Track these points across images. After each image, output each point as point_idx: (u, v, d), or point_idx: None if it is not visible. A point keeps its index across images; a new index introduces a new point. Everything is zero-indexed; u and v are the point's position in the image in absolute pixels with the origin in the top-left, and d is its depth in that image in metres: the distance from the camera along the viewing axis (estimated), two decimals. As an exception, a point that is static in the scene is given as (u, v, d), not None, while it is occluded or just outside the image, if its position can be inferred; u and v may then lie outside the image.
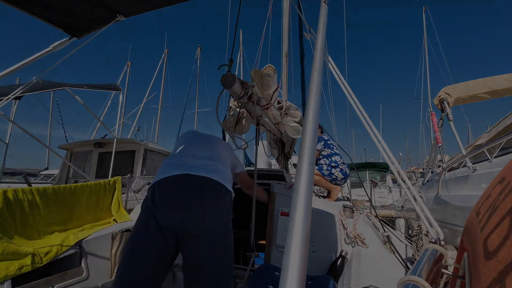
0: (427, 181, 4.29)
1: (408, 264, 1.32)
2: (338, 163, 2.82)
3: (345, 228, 1.72)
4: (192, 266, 1.26)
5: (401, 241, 1.81)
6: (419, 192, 1.60)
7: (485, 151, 2.19)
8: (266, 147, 3.57)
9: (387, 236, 1.65)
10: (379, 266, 1.40)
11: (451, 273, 0.67)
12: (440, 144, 3.38)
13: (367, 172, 12.47)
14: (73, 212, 1.85)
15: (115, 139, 5.38)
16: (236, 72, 15.33)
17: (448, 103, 3.37)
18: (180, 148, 1.57)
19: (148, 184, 6.47)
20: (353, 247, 1.66)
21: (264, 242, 1.98)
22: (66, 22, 1.60)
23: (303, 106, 3.50)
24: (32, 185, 5.57)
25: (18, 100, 4.60)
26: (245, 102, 1.65)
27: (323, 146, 2.89)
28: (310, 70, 0.71)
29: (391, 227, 3.95)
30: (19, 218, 1.51)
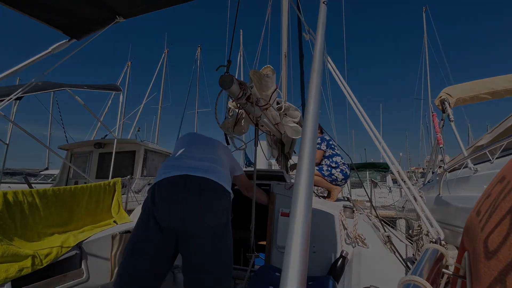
0: (428, 181, 4.29)
1: (408, 264, 1.32)
2: (339, 163, 2.82)
3: (346, 228, 1.72)
4: (192, 266, 1.27)
5: (402, 241, 1.81)
6: (419, 192, 1.60)
7: (487, 152, 2.19)
8: (265, 150, 3.56)
9: (388, 236, 1.65)
10: (380, 266, 1.40)
11: (451, 273, 0.67)
12: (441, 145, 3.38)
13: (367, 172, 12.46)
14: (73, 213, 1.85)
15: (116, 140, 5.38)
16: (236, 72, 15.36)
17: (449, 104, 3.37)
18: (180, 149, 1.59)
19: (149, 184, 6.48)
20: (353, 247, 1.66)
21: (264, 242, 1.98)
22: (65, 23, 1.60)
23: (303, 106, 3.51)
24: (33, 185, 5.57)
25: (18, 101, 4.61)
26: (244, 103, 1.65)
27: (326, 147, 2.89)
28: (309, 70, 0.71)
29: (392, 227, 3.95)
30: (19, 220, 1.51)
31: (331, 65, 1.50)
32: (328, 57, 1.49)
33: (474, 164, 2.45)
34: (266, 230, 1.96)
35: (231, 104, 2.15)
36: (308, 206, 0.39)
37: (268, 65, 1.76)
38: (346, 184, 3.29)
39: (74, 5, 1.47)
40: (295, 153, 3.89)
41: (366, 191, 3.35)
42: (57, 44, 1.63)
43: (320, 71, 0.69)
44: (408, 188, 1.35)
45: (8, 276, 1.24)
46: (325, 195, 3.03)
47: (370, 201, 3.71)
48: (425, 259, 0.66)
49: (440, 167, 3.02)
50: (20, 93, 3.06)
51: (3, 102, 2.92)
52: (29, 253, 1.36)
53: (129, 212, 2.37)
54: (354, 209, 1.86)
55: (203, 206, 1.28)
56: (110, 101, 14.02)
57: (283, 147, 3.72)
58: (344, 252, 1.61)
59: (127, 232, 1.94)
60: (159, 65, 16.11)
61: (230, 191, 1.44)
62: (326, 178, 2.79)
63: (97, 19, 1.61)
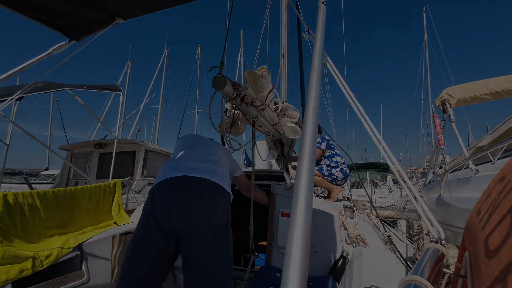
0: (429, 182, 4.28)
1: (409, 263, 1.32)
2: (339, 163, 2.82)
3: (346, 229, 1.72)
4: (192, 266, 1.27)
5: (402, 241, 1.81)
6: (420, 192, 1.60)
7: (488, 153, 2.18)
8: (264, 151, 3.55)
9: (388, 236, 1.65)
10: (381, 266, 1.40)
11: (452, 272, 0.67)
12: (442, 146, 3.37)
13: (367, 172, 12.45)
14: (74, 215, 1.85)
15: (116, 140, 5.38)
16: (237, 72, 15.36)
17: (450, 104, 3.36)
18: (180, 151, 1.60)
19: (149, 184, 6.47)
20: (354, 247, 1.66)
21: (265, 243, 1.98)
22: (65, 25, 1.60)
23: (303, 106, 3.50)
24: (33, 185, 5.57)
25: (18, 101, 4.61)
26: (239, 104, 1.65)
27: (325, 147, 2.89)
28: (309, 70, 0.71)
29: (392, 227, 3.95)
30: (20, 221, 1.51)
31: (330, 65, 1.50)
32: (328, 57, 1.49)
33: (475, 165, 2.44)
34: (266, 230, 1.96)
35: (227, 105, 2.15)
36: (309, 206, 0.39)
37: (264, 66, 1.76)
38: (346, 184, 3.29)
39: (74, 7, 1.47)
40: (295, 153, 3.88)
41: (366, 191, 3.35)
42: (57, 46, 1.63)
43: (319, 71, 0.69)
44: (409, 187, 1.35)
45: (9, 277, 1.24)
46: (326, 195, 3.02)
47: (371, 201, 3.71)
48: (425, 259, 0.66)
49: (441, 167, 3.01)
50: (20, 94, 3.06)
51: (4, 103, 2.93)
52: (29, 254, 1.36)
53: (130, 212, 2.37)
54: (355, 209, 1.86)
55: (203, 206, 1.28)
56: (110, 101, 14.00)
57: (282, 148, 3.72)
58: (345, 252, 1.61)
59: (127, 233, 1.94)
60: (159, 65, 16.11)
61: (230, 191, 1.45)
62: (326, 178, 2.79)
63: (96, 20, 1.61)
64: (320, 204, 1.97)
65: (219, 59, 1.65)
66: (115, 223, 2.12)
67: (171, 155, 1.66)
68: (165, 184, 1.33)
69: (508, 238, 0.35)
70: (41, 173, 12.43)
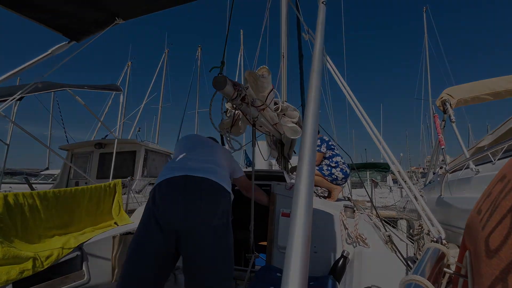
0: (429, 182, 4.27)
1: (409, 263, 1.32)
2: (339, 163, 2.82)
3: (346, 228, 1.72)
4: (192, 265, 1.27)
5: (403, 241, 1.81)
6: (420, 191, 1.60)
7: (489, 154, 2.18)
8: (264, 151, 3.55)
9: (389, 236, 1.65)
10: (381, 266, 1.40)
11: (453, 272, 0.67)
12: (443, 146, 3.37)
13: (367, 172, 12.45)
14: (74, 215, 1.86)
15: (116, 140, 5.38)
16: (237, 72, 15.35)
17: (450, 105, 3.36)
18: (181, 152, 1.61)
19: (150, 184, 6.47)
20: (354, 247, 1.66)
21: (265, 243, 1.98)
22: (65, 25, 1.61)
23: (303, 107, 3.50)
24: (33, 185, 5.58)
25: (19, 101, 4.61)
26: (239, 104, 1.65)
27: (326, 149, 2.88)
28: (309, 70, 0.71)
29: (393, 227, 3.94)
30: (20, 222, 1.51)
31: (330, 65, 1.50)
32: (328, 57, 1.49)
33: (475, 165, 2.44)
34: (267, 230, 1.96)
35: (228, 105, 2.15)
36: (309, 206, 0.38)
37: (264, 66, 1.76)
38: (346, 184, 3.29)
39: (74, 7, 1.47)
40: (295, 153, 3.88)
41: (366, 191, 3.35)
42: (57, 46, 1.63)
43: (319, 71, 0.69)
44: (409, 187, 1.35)
45: (9, 278, 1.24)
46: (326, 195, 3.02)
47: (371, 201, 3.71)
48: (426, 258, 0.66)
49: (441, 167, 3.01)
50: (21, 94, 3.06)
51: (4, 103, 2.93)
52: (30, 255, 1.36)
53: (130, 213, 2.37)
54: (355, 209, 1.86)
55: (203, 206, 1.28)
56: (110, 101, 14.02)
57: (283, 148, 3.72)
58: (345, 252, 1.61)
59: (127, 233, 1.94)
60: (159, 65, 16.11)
61: (230, 191, 1.45)
62: (326, 177, 2.79)
63: (96, 21, 1.61)
64: (320, 204, 1.97)
65: (219, 59, 1.65)
66: (115, 223, 2.12)
67: (172, 155, 1.67)
68: (166, 184, 1.34)
69: (509, 238, 0.35)
70: (42, 173, 12.43)
